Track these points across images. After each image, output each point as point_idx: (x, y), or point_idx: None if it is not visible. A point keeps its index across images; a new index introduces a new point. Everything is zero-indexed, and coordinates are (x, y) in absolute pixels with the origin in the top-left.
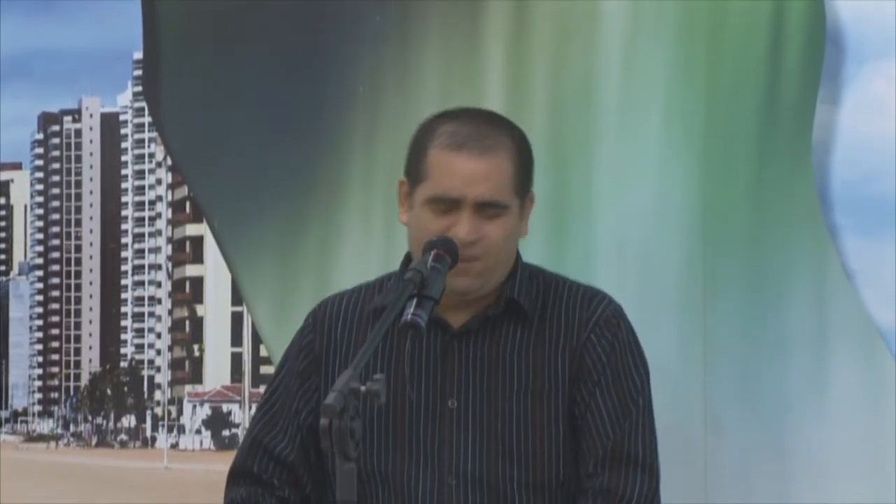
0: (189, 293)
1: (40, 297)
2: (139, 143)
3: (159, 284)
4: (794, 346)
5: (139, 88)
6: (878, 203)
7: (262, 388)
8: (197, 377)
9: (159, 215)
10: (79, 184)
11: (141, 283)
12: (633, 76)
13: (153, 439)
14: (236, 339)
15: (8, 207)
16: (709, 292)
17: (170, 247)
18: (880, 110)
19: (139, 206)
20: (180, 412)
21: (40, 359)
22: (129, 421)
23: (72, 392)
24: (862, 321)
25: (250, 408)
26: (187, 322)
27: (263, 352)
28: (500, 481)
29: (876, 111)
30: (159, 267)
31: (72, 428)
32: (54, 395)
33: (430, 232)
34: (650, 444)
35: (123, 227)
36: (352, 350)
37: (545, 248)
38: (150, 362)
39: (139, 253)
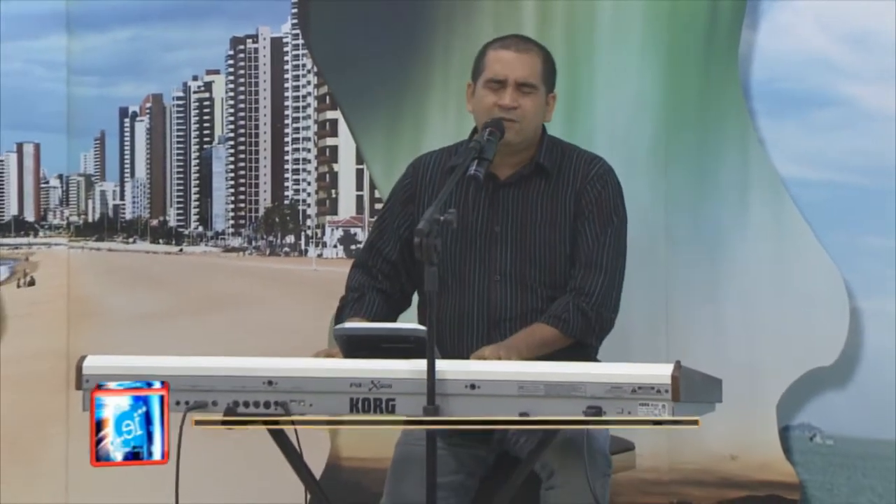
0: (328, 156)
1: (231, 158)
2: (295, 57)
3: (309, 150)
4: (727, 189)
5: (296, 21)
6: (781, 96)
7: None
8: (334, 210)
9: (309, 105)
10: (256, 84)
11: (297, 150)
12: (621, 6)
13: (306, 251)
14: (359, 186)
15: (211, 99)
16: (670, 156)
17: (316, 126)
18: (786, 34)
19: (295, 99)
20: (323, 233)
21: (232, 198)
22: (290, 239)
23: (253, 219)
24: (771, 173)
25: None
26: (327, 175)
27: (377, 195)
28: (528, 279)
29: (783, 34)
30: (309, 139)
31: (253, 243)
32: (241, 221)
33: (488, 103)
34: (613, 256)
35: (285, 112)
36: (435, 191)
37: (562, 127)
38: (304, 200)
39: (296, 130)
